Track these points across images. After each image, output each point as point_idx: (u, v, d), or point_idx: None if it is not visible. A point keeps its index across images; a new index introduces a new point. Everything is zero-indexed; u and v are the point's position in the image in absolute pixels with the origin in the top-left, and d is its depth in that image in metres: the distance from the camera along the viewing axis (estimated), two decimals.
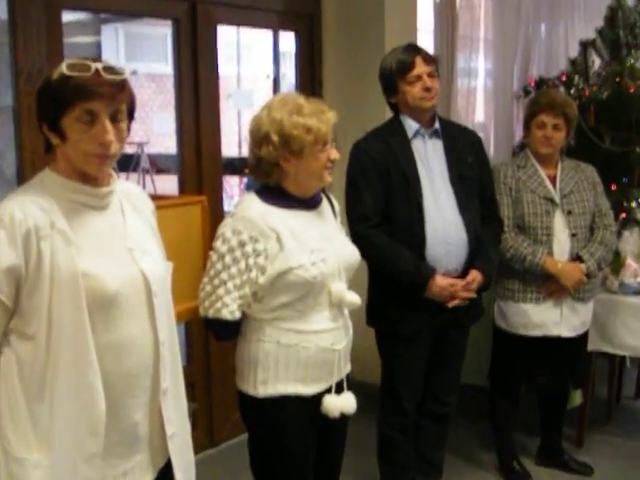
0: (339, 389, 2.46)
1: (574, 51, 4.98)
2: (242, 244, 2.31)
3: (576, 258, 3.51)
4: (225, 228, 2.35)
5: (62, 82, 1.73)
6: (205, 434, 4.04)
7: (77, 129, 1.75)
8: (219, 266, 2.34)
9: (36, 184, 1.81)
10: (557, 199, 3.52)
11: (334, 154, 2.42)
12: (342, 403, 2.43)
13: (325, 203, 2.56)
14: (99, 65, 1.75)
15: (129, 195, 1.99)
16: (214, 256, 2.35)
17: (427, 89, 3.09)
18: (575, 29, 5.56)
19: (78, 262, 1.74)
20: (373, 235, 3.06)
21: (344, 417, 2.46)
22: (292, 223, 2.37)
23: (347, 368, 2.54)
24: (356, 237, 2.84)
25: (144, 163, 10.23)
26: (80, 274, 1.74)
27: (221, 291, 2.34)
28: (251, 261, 2.31)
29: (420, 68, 3.09)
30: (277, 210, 2.38)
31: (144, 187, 9.15)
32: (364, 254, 2.98)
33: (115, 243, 1.86)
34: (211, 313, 2.37)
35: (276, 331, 2.37)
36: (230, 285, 2.33)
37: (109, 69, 1.76)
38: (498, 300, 3.63)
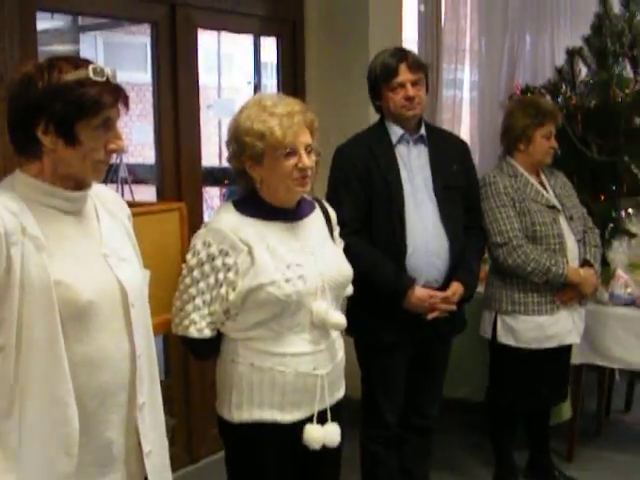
0: (323, 418, 2.32)
1: (560, 60, 4.98)
2: (211, 257, 2.21)
3: (584, 263, 3.50)
4: (196, 240, 2.27)
5: (84, 86, 1.70)
6: (184, 451, 3.97)
7: (94, 137, 1.73)
8: (188, 280, 2.25)
9: (6, 187, 1.75)
10: (558, 206, 3.49)
11: (304, 162, 2.23)
12: (324, 434, 2.29)
13: (316, 214, 2.45)
14: (108, 70, 1.75)
15: (104, 199, 1.94)
16: (184, 269, 2.27)
17: (409, 98, 3.03)
18: (561, 37, 5.56)
19: (50, 270, 1.68)
20: (351, 242, 2.93)
21: (329, 449, 2.32)
22: (269, 236, 2.27)
23: (337, 395, 2.41)
24: None
25: (123, 173, 10.11)
26: (52, 283, 1.68)
27: (189, 307, 2.25)
28: (221, 276, 2.22)
29: (404, 76, 3.03)
30: (253, 221, 2.28)
31: (123, 197, 9.03)
32: None
33: (89, 249, 1.80)
34: (180, 330, 2.28)
35: (250, 352, 2.26)
36: (199, 301, 2.24)
37: (114, 73, 1.75)
38: (502, 316, 3.49)
